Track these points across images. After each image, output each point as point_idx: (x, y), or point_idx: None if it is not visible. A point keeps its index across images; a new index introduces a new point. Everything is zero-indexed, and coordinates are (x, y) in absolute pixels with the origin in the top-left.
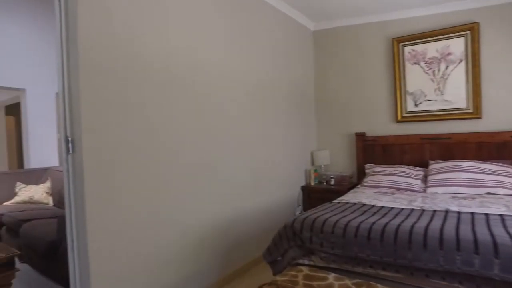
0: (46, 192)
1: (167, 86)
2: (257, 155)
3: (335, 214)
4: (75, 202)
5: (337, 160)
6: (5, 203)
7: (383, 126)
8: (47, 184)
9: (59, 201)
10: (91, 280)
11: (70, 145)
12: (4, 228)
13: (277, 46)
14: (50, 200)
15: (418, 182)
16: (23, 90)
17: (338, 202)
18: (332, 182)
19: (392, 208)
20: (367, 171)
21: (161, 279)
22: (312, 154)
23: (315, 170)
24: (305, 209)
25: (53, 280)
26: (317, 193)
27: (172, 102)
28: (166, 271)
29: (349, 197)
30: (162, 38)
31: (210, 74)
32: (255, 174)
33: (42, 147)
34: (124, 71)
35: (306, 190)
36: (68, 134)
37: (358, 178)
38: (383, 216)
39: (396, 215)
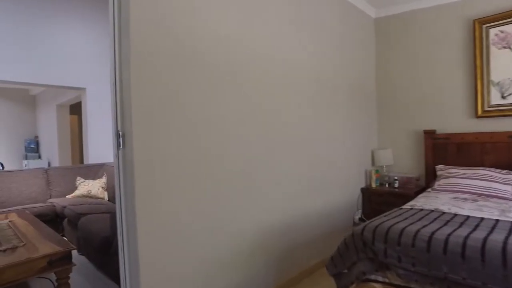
0: (102, 187)
1: (220, 81)
2: (314, 155)
3: (411, 223)
4: (125, 199)
5: (400, 160)
6: (67, 196)
7: (457, 122)
8: (103, 179)
9: (113, 197)
10: (141, 279)
11: (120, 139)
12: (66, 220)
13: (336, 36)
14: (105, 195)
15: (509, 188)
16: (84, 89)
17: (411, 208)
18: (396, 185)
19: (483, 218)
20: (439, 173)
21: (212, 285)
22: (372, 154)
23: (377, 171)
24: (365, 213)
25: (107, 275)
26: (379, 196)
27: (224, 98)
28: (218, 275)
29: (421, 202)
30: (215, 30)
31: (267, 69)
32: (312, 174)
33: (99, 144)
34: (175, 65)
35: (367, 193)
36: (119, 128)
37: (426, 181)
38: (474, 229)
39: (493, 228)
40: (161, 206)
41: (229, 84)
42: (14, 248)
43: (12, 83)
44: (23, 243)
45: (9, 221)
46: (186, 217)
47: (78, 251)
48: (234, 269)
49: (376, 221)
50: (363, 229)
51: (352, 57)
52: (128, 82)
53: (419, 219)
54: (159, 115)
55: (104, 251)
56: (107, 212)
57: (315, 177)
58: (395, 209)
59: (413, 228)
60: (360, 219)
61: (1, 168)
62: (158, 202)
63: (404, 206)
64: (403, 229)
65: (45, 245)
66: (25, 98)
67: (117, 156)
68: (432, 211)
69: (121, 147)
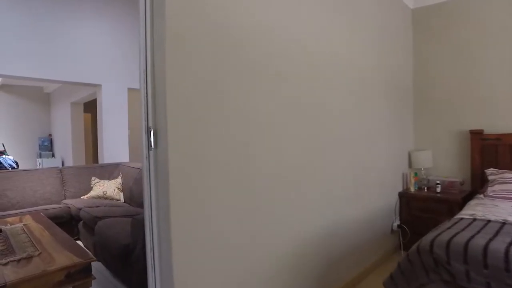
0: (118, 188)
1: (261, 75)
2: (354, 156)
3: (490, 238)
4: (157, 208)
5: (440, 162)
6: (82, 197)
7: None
8: (119, 179)
9: (130, 199)
10: None
11: (152, 138)
12: (81, 222)
13: (373, 27)
14: (121, 196)
15: None
16: (99, 85)
17: (474, 219)
18: (438, 189)
19: None
20: (490, 177)
21: None
22: (409, 155)
23: (415, 174)
24: (403, 220)
25: (124, 284)
26: (419, 201)
27: (267, 93)
28: None
29: (480, 211)
30: (257, 18)
31: (310, 63)
32: (353, 178)
33: (114, 142)
34: (214, 53)
35: (405, 197)
36: (151, 124)
37: (472, 186)
38: None
39: None
40: (199, 218)
41: (271, 79)
42: (29, 258)
43: (27, 79)
44: (39, 252)
45: (24, 225)
46: (225, 229)
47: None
48: (275, 281)
49: (443, 234)
50: (431, 245)
51: (389, 51)
52: (163, 68)
53: (496, 233)
54: (196, 109)
55: (123, 259)
56: (125, 215)
57: (355, 181)
58: (455, 219)
59: (498, 246)
60: (399, 226)
61: (15, 167)
62: (196, 213)
63: (464, 216)
64: (486, 246)
65: (62, 254)
66: (39, 96)
67: (147, 157)
68: (504, 223)
69: (152, 147)
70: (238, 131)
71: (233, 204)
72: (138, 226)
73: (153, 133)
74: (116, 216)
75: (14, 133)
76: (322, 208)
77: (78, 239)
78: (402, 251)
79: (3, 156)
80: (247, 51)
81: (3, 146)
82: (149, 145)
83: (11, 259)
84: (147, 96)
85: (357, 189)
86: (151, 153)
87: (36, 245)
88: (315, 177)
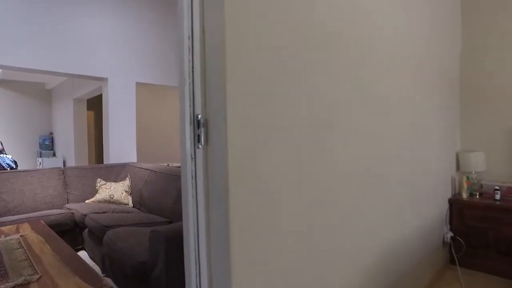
0: (126, 191)
1: (329, 63)
2: (412, 159)
3: None
4: (207, 224)
5: (495, 165)
6: (87, 201)
7: None
8: (127, 182)
9: (139, 203)
10: None
11: (201, 131)
12: (86, 230)
13: (425, 14)
14: (129, 200)
15: None
16: (106, 79)
17: None
18: (498, 196)
19: None
20: None
21: None
22: (457, 157)
23: (467, 178)
24: (455, 231)
25: None
26: (475, 209)
27: (333, 86)
28: None
29: None
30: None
31: (375, 55)
32: (411, 184)
33: (121, 141)
34: (285, 14)
35: (457, 205)
36: (199, 112)
37: None
38: None
39: None
40: (269, 240)
41: (340, 70)
42: (25, 285)
43: (28, 70)
44: (38, 276)
45: (20, 236)
46: (291, 252)
47: (102, 272)
48: None
49: None
50: None
51: (439, 38)
52: (221, 30)
53: None
54: (263, 89)
55: (139, 279)
56: (137, 224)
57: (410, 187)
58: None
59: None
60: (452, 238)
61: (14, 167)
62: (266, 233)
63: None
64: None
65: (68, 280)
66: (40, 92)
67: (192, 158)
68: None
69: (202, 143)
70: (308, 121)
71: (299, 222)
72: (158, 240)
73: (203, 123)
74: (128, 225)
75: (13, 131)
76: (381, 220)
77: (82, 248)
78: (458, 267)
79: (1, 155)
80: (315, 35)
81: (1, 144)
82: (197, 140)
83: (3, 286)
84: (192, 71)
85: (413, 196)
86: (199, 151)
87: (35, 265)
88: (376, 183)
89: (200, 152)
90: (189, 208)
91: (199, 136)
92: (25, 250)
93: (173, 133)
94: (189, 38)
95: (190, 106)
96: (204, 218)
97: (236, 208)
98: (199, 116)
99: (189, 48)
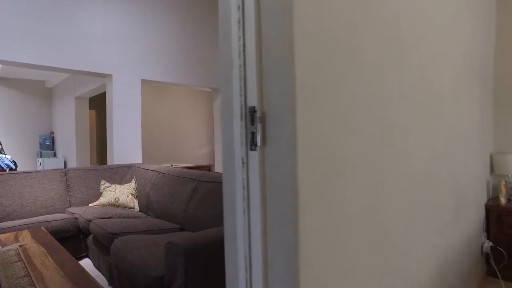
0: (132, 194)
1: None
2: (455, 160)
3: None
4: (264, 249)
5: None
6: (90, 204)
7: None
8: (132, 184)
9: (147, 207)
10: None
11: (257, 127)
12: (91, 237)
13: (464, 4)
14: (135, 204)
15: None
16: (110, 76)
17: None
18: None
19: None
20: None
21: None
22: (491, 159)
23: (505, 182)
24: (494, 240)
25: None
26: None
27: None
28: None
29: None
30: None
31: (433, 52)
32: (455, 190)
33: (126, 141)
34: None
35: (495, 212)
36: (254, 103)
37: None
38: None
39: None
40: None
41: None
42: None
43: (29, 66)
44: None
45: (19, 246)
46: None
47: (109, 283)
48: None
49: None
50: None
51: (476, 30)
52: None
53: None
54: (339, 86)
55: None
56: (147, 231)
57: (457, 192)
58: None
59: None
60: (493, 248)
61: (13, 167)
62: (339, 269)
63: None
64: None
65: None
66: (40, 90)
67: (244, 162)
68: None
69: (258, 143)
70: (378, 122)
71: (367, 230)
72: (175, 253)
73: (260, 118)
74: (137, 232)
75: (12, 130)
76: (429, 236)
77: (86, 256)
78: (501, 280)
79: (0, 155)
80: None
81: (0, 144)
82: (250, 140)
83: None
84: (243, 50)
85: (457, 202)
86: (254, 154)
87: (36, 283)
88: (430, 189)
89: (255, 155)
90: (238, 227)
91: (253, 134)
92: (24, 264)
93: (174, 133)
94: (239, 8)
95: (241, 96)
96: (260, 241)
97: (307, 231)
98: (255, 109)
99: (238, 21)
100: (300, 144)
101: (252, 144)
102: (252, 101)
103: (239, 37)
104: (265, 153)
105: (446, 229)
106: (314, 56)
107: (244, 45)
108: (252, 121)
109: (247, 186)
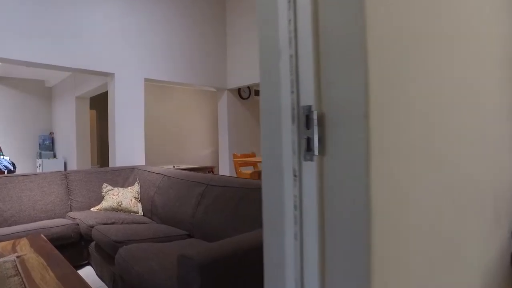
0: (135, 198)
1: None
2: (495, 165)
3: None
4: (321, 277)
5: None
6: (92, 208)
7: None
8: (136, 187)
9: (151, 211)
10: None
11: (314, 131)
12: (93, 243)
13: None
14: (139, 208)
15: None
16: (112, 74)
17: None
18: None
19: None
20: None
21: None
22: None
23: None
24: None
25: None
26: None
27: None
28: None
29: None
30: None
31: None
32: (494, 193)
33: (128, 142)
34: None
35: None
36: (310, 103)
37: None
38: None
39: None
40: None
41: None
42: None
43: (29, 64)
44: None
45: (17, 257)
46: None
47: None
48: None
49: None
50: None
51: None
52: None
53: None
54: (416, 84)
55: None
56: (153, 238)
57: (494, 196)
58: None
59: None
60: None
61: (12, 169)
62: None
63: None
64: None
65: None
66: (40, 90)
67: (296, 175)
68: None
69: (315, 152)
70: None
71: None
72: (189, 267)
73: (318, 121)
74: (143, 240)
75: (11, 130)
76: (476, 255)
77: (88, 264)
78: None
79: None
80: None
81: None
82: (305, 148)
83: None
84: (295, 35)
85: (496, 207)
86: (309, 166)
87: None
88: (477, 193)
89: (311, 167)
90: (286, 258)
91: (308, 140)
92: (22, 278)
93: (177, 134)
94: None
95: (292, 93)
96: (316, 277)
97: (381, 266)
98: (311, 109)
99: (288, 1)
100: (374, 155)
101: (307, 153)
102: (307, 99)
103: (290, 20)
104: (323, 164)
105: (490, 237)
106: (389, 50)
107: (295, 30)
108: (307, 124)
109: (299, 206)
